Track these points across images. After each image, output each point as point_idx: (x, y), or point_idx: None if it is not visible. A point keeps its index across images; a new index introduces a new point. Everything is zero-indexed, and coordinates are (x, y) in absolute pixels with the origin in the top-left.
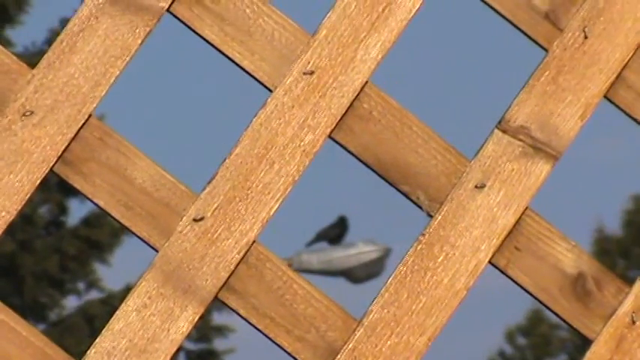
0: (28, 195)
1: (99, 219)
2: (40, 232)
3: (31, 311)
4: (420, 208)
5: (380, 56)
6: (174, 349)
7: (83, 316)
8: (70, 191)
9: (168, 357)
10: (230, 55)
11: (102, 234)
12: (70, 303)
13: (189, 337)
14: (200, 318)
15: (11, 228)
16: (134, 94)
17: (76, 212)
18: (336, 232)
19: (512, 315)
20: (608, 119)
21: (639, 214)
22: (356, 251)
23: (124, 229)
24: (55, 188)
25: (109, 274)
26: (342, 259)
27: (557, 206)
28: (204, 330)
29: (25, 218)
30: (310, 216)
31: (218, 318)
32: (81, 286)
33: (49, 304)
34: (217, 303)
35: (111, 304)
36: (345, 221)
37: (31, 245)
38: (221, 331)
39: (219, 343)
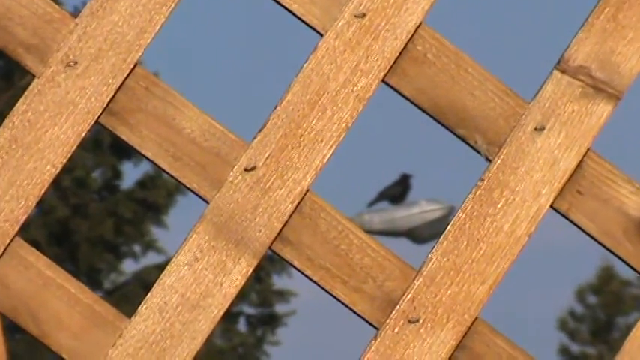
0: (74, 148)
1: (153, 181)
2: (93, 196)
3: (87, 278)
4: (478, 152)
5: None
6: (228, 303)
7: (140, 282)
8: (124, 153)
9: (222, 312)
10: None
11: (157, 196)
12: (127, 267)
13: (249, 301)
14: (254, 270)
15: (64, 193)
16: (180, 42)
17: (130, 175)
18: (398, 191)
19: (582, 273)
20: None
21: None
22: (419, 210)
23: (179, 189)
24: (108, 151)
25: (166, 236)
26: (404, 218)
27: (620, 148)
28: (264, 294)
29: (78, 182)
30: (371, 174)
31: (279, 282)
32: (137, 249)
33: (104, 269)
34: (276, 264)
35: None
36: (407, 179)
37: (85, 210)
38: (282, 295)
39: (279, 308)
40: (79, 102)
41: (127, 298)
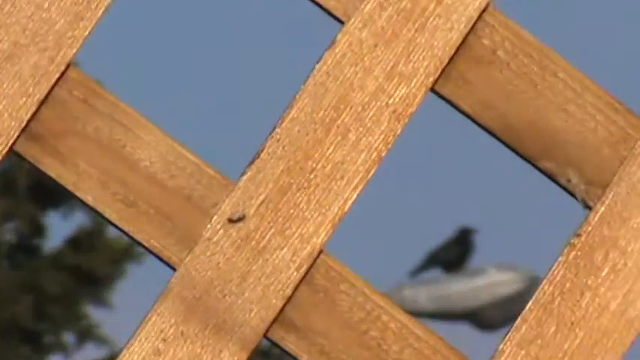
0: None
1: (91, 239)
2: (2, 262)
3: None
4: (573, 195)
5: None
6: None
7: None
8: (48, 199)
9: None
10: None
11: (97, 262)
12: None
13: None
14: None
15: None
16: (136, 40)
17: (58, 231)
18: (455, 253)
19: None
20: None
21: None
22: (486, 281)
23: (129, 252)
24: (24, 196)
25: (110, 320)
26: (465, 294)
27: None
28: None
29: None
30: (415, 228)
31: None
32: (68, 339)
33: None
34: (268, 347)
35: None
36: (468, 236)
37: None
38: None
39: None
40: None
41: None
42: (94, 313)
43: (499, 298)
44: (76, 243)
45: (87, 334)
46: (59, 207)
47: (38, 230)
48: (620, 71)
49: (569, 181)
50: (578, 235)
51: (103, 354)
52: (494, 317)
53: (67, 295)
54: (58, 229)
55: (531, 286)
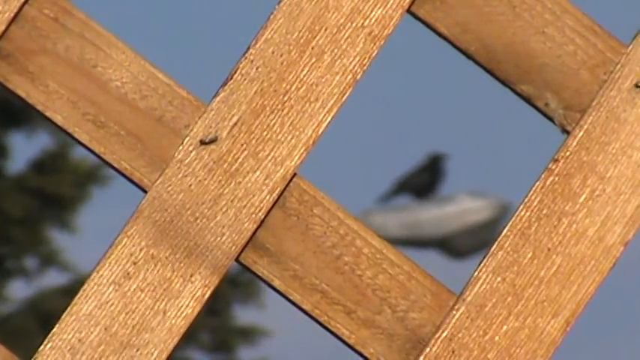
0: None
1: (55, 161)
2: None
3: None
4: (550, 119)
5: None
6: (175, 341)
7: (35, 313)
8: (12, 120)
9: (165, 354)
10: None
11: (60, 184)
12: (17, 291)
13: (200, 343)
14: (212, 293)
15: None
16: None
17: (21, 153)
18: (425, 179)
19: None
20: None
21: None
22: (457, 209)
23: (95, 174)
24: None
25: (75, 245)
26: (435, 220)
27: None
28: (222, 333)
29: None
30: (386, 153)
31: (243, 316)
32: (31, 263)
33: None
34: (240, 289)
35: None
36: (438, 162)
37: None
38: (248, 334)
39: (244, 354)
40: None
41: (16, 336)
42: (57, 237)
43: (470, 225)
44: (39, 165)
45: (50, 259)
46: (22, 128)
47: (1, 152)
48: None
49: (547, 105)
50: (556, 160)
51: (66, 279)
52: (465, 245)
53: (30, 219)
54: (21, 150)
55: (503, 214)
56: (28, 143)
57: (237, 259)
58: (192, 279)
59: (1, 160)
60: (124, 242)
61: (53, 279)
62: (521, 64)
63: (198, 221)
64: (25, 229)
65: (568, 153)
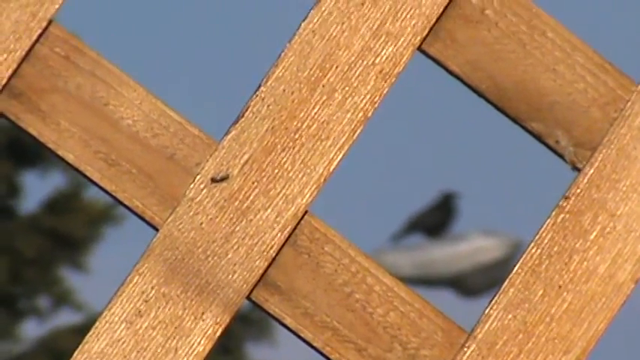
0: None
1: (68, 201)
2: None
3: None
4: (561, 157)
5: None
6: None
7: (48, 352)
8: (25, 159)
9: None
10: None
11: (74, 224)
12: (29, 331)
13: None
14: (224, 331)
15: None
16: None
17: (34, 193)
18: (438, 218)
19: None
20: None
21: None
22: (469, 247)
23: (107, 215)
24: (1, 155)
25: (86, 285)
26: (447, 259)
27: None
28: None
29: None
30: (399, 191)
31: (256, 353)
32: (43, 303)
33: None
34: (252, 326)
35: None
36: (451, 201)
37: None
38: None
39: None
40: None
41: None
42: (70, 277)
43: (482, 264)
44: (52, 205)
45: (63, 298)
46: (35, 167)
47: (14, 191)
48: (609, 32)
49: (557, 142)
50: (567, 198)
51: (78, 319)
52: (477, 284)
53: (43, 259)
54: (35, 190)
55: (515, 252)
56: (41, 183)
57: (248, 297)
58: (204, 317)
59: (15, 200)
60: (135, 280)
61: (66, 318)
62: (532, 101)
63: (210, 259)
64: (38, 269)
65: (579, 190)
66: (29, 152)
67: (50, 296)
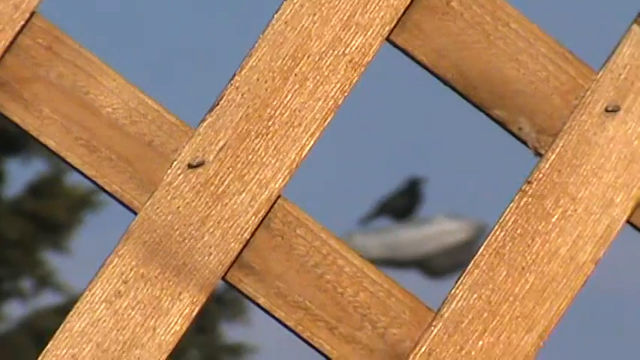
0: None
1: (50, 186)
2: None
3: None
4: (524, 143)
5: None
6: (164, 357)
7: (30, 331)
8: (8, 146)
9: None
10: None
11: (55, 208)
12: (12, 311)
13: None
14: (200, 310)
15: None
16: None
17: (17, 178)
18: (404, 202)
19: None
20: None
21: None
22: (434, 230)
23: (86, 200)
24: None
25: (68, 266)
26: (414, 242)
27: None
28: (211, 350)
29: None
30: (367, 176)
31: (230, 333)
32: (26, 285)
33: None
34: (227, 306)
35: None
36: (417, 186)
37: None
38: (235, 351)
39: None
40: None
41: (12, 353)
42: (52, 259)
43: (447, 246)
44: (35, 190)
45: (45, 280)
46: (18, 154)
47: None
48: (570, 21)
49: (520, 129)
50: (529, 182)
51: (60, 300)
52: (443, 265)
53: (26, 242)
54: (18, 176)
55: (479, 234)
56: (23, 169)
57: (223, 278)
58: (181, 297)
59: None
60: (115, 262)
61: (48, 299)
62: (496, 90)
63: (186, 241)
64: (21, 252)
65: (541, 175)
66: (12, 139)
67: (33, 278)
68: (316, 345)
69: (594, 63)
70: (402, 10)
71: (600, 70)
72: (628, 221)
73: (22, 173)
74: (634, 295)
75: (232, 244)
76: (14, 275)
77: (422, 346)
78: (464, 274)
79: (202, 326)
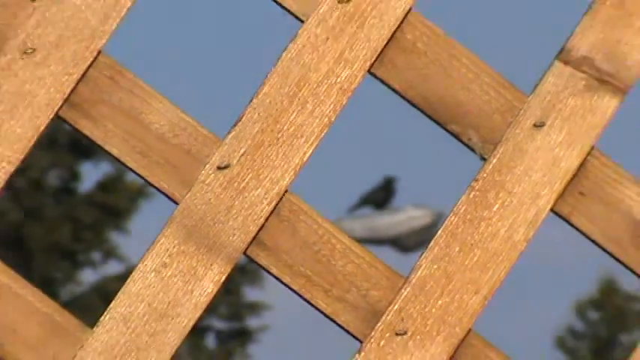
0: (32, 143)
1: (114, 183)
2: (49, 199)
3: (40, 288)
4: (473, 150)
5: None
6: (199, 313)
7: (99, 294)
8: (83, 152)
9: (192, 322)
10: None
11: (118, 199)
12: (86, 277)
13: (218, 315)
14: (227, 278)
15: (18, 195)
16: (148, 30)
17: (90, 176)
18: (381, 196)
19: (582, 286)
20: None
21: None
22: (404, 217)
23: (142, 192)
24: (65, 150)
25: (128, 243)
26: (389, 225)
27: (626, 147)
28: (235, 307)
29: (32, 184)
30: (354, 175)
31: (250, 294)
32: (96, 257)
33: (60, 279)
34: (247, 275)
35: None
36: (391, 183)
37: (40, 214)
38: (254, 308)
39: (251, 322)
40: (37, 93)
41: (85, 311)
42: (115, 238)
43: (415, 228)
44: (102, 186)
45: (110, 253)
46: (90, 159)
47: (75, 176)
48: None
49: (470, 139)
50: (477, 180)
51: (122, 269)
52: (411, 243)
53: (96, 225)
54: (89, 175)
55: (438, 220)
56: (94, 170)
57: (244, 253)
58: (212, 268)
59: (75, 183)
60: (162, 240)
61: (113, 268)
62: (451, 110)
63: (216, 225)
64: (93, 232)
65: (485, 175)
66: (85, 148)
67: (101, 252)
68: (315, 304)
69: (526, 88)
70: (380, 49)
71: (530, 94)
72: (551, 210)
73: (92, 173)
74: (555, 266)
75: (251, 228)
76: (87, 250)
77: (395, 305)
78: (427, 250)
79: (229, 289)
